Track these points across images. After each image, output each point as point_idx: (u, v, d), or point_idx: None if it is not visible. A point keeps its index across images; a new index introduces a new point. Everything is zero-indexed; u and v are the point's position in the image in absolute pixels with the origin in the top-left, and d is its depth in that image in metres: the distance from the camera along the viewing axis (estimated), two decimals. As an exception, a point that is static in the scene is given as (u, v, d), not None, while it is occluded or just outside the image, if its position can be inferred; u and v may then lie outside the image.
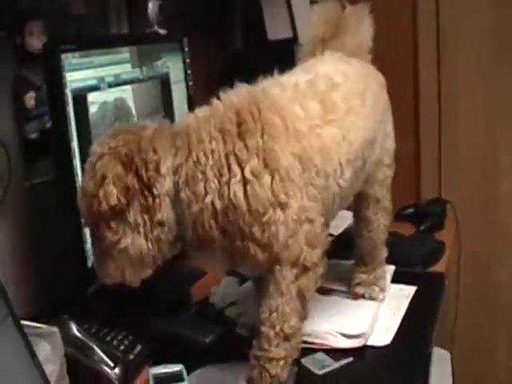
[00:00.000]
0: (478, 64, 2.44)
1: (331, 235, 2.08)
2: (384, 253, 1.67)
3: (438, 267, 1.92)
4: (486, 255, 2.54)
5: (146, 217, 1.19)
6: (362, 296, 1.63)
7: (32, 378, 1.08)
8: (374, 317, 1.54)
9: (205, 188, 1.18)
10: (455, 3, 2.43)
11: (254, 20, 2.32)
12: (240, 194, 1.17)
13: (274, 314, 1.27)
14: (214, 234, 1.20)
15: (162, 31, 1.76)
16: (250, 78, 1.51)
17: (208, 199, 1.18)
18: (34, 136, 1.55)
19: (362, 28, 1.59)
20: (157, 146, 1.20)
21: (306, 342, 1.37)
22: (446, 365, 1.93)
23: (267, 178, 1.18)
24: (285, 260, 1.24)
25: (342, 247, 1.71)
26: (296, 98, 1.30)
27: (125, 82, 1.54)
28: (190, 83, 1.76)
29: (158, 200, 1.19)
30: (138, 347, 1.37)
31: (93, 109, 1.43)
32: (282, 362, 1.28)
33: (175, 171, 1.20)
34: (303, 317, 1.31)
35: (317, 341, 1.44)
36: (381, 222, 1.61)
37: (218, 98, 1.26)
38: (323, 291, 1.65)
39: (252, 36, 2.39)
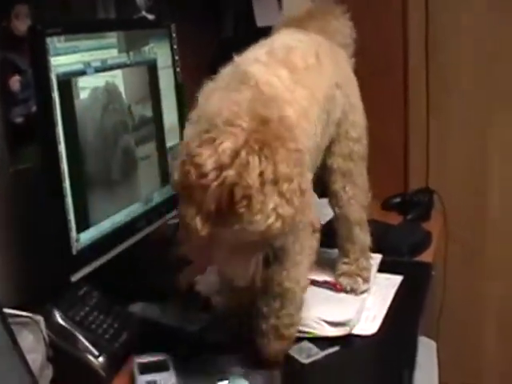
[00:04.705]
0: (467, 55, 2.43)
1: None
2: (366, 241, 1.65)
3: (425, 257, 1.92)
4: (472, 245, 2.54)
5: None
6: (344, 289, 1.60)
7: (14, 367, 1.07)
8: (361, 305, 1.54)
9: None
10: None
11: (243, 7, 2.31)
12: None
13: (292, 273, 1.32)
14: None
15: (150, 17, 1.74)
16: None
17: None
18: (19, 120, 1.53)
19: (332, 22, 1.60)
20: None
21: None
22: (432, 354, 1.93)
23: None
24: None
25: (329, 235, 1.70)
26: (267, 69, 1.28)
27: (111, 68, 1.52)
28: (178, 70, 1.74)
29: None
30: (124, 336, 1.35)
31: (83, 94, 1.41)
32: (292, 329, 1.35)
33: None
34: None
35: (302, 329, 1.43)
36: (350, 195, 1.57)
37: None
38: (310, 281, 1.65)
39: (241, 23, 2.38)
